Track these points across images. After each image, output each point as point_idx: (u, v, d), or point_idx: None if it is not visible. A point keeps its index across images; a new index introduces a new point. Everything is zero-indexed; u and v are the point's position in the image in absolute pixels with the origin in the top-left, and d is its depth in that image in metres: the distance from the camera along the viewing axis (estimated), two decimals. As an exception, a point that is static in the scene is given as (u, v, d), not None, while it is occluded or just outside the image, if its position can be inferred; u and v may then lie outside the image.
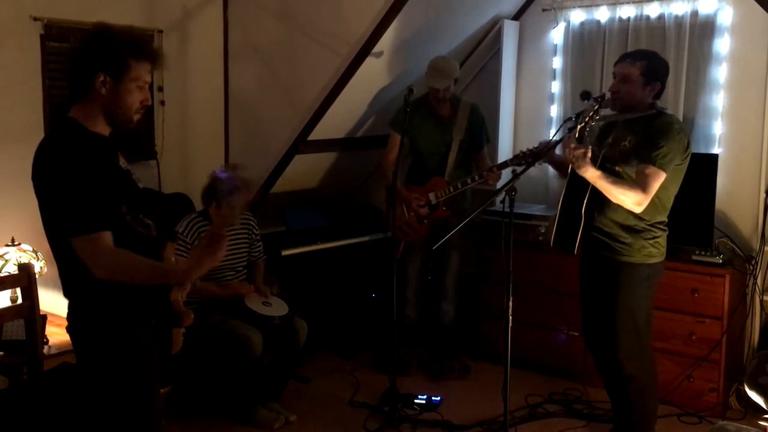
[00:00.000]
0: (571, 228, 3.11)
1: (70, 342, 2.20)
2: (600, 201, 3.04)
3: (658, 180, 2.93)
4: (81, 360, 2.21)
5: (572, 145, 2.91)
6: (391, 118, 4.27)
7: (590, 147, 2.91)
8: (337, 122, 4.42)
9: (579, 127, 2.93)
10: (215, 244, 2.06)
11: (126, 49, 2.04)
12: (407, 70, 4.37)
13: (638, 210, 2.96)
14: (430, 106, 4.16)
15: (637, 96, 3.03)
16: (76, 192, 1.95)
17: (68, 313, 2.17)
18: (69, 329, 2.18)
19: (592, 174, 2.94)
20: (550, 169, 4.61)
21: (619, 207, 2.99)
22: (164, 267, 2.12)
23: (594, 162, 2.96)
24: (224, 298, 3.68)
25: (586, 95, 3.01)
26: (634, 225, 3.03)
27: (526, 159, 3.74)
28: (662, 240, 3.10)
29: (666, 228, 3.11)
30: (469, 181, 4.02)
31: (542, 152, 3.28)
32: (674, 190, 3.06)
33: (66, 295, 2.15)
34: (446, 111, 4.19)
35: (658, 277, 3.17)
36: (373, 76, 4.23)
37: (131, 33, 2.11)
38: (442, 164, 4.17)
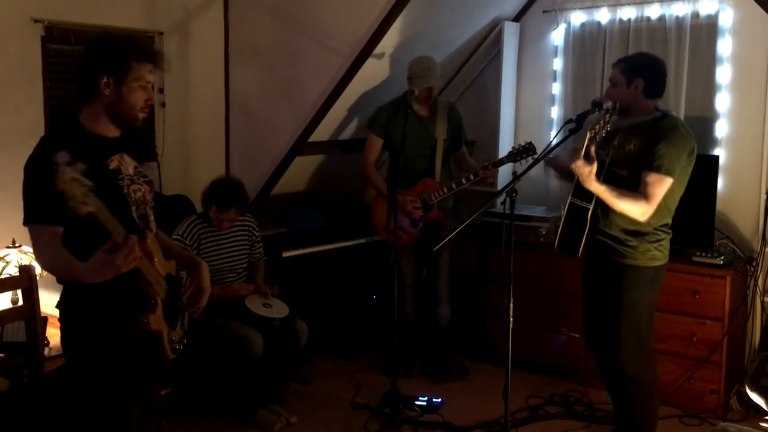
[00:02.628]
0: (576, 230, 3.11)
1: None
2: (606, 205, 3.04)
3: (662, 186, 2.93)
4: (70, 354, 2.28)
5: (579, 162, 2.90)
6: (368, 121, 4.24)
7: (595, 164, 2.91)
8: (337, 124, 4.42)
9: (589, 136, 2.91)
10: (116, 251, 1.93)
11: (126, 50, 2.16)
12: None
13: (643, 219, 2.97)
14: (411, 108, 4.09)
15: (624, 95, 3.04)
16: (34, 183, 2.06)
17: (58, 302, 2.24)
18: (60, 318, 2.25)
19: (596, 188, 2.95)
20: (551, 171, 4.62)
21: None
22: (73, 264, 2.02)
23: (601, 169, 2.97)
24: (225, 299, 3.68)
25: (597, 104, 3.00)
26: (639, 229, 3.03)
27: (520, 154, 3.73)
28: (666, 243, 3.10)
29: (670, 231, 3.11)
30: (464, 180, 4.00)
31: (541, 156, 3.29)
32: (679, 192, 3.06)
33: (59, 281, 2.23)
34: (426, 111, 4.17)
35: (661, 279, 3.17)
36: (373, 77, 4.23)
37: (131, 36, 2.25)
38: (431, 165, 4.16)
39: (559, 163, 3.30)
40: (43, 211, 2.04)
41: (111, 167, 2.19)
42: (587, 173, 2.90)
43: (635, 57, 3.18)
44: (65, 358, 2.30)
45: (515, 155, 3.77)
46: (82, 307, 2.18)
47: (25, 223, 2.09)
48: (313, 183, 4.86)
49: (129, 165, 2.27)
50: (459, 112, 4.28)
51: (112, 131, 2.21)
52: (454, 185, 4.03)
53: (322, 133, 4.31)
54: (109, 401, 2.22)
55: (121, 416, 2.23)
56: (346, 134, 4.63)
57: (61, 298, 2.24)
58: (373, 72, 4.15)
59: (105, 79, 2.13)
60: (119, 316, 2.18)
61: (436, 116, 4.16)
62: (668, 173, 2.92)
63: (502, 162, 3.89)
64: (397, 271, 4.14)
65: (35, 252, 2.11)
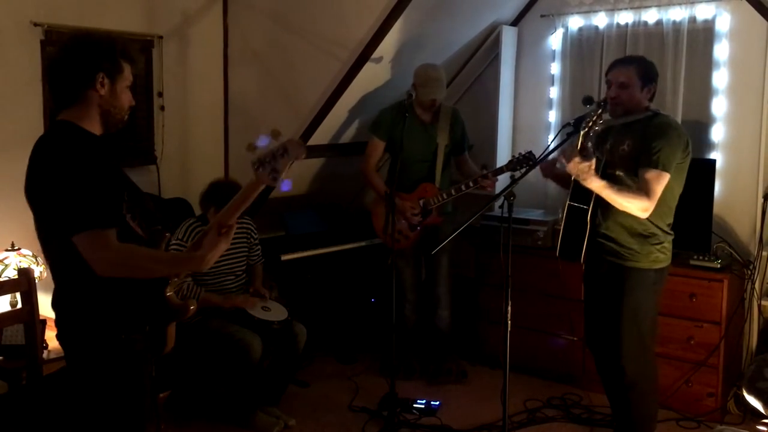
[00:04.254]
0: (576, 236, 3.10)
1: (62, 350, 2.19)
2: (605, 207, 3.04)
3: (661, 182, 2.93)
4: (73, 367, 2.19)
5: (576, 159, 2.89)
6: (371, 124, 4.25)
7: (594, 159, 2.91)
8: (336, 127, 4.43)
9: (582, 132, 2.91)
10: (224, 230, 2.11)
11: (119, 51, 2.12)
12: (406, 75, 4.38)
13: (644, 216, 2.97)
14: (413, 112, 4.12)
15: (636, 98, 3.05)
16: (83, 189, 1.95)
17: (59, 320, 2.15)
18: (61, 337, 2.16)
19: (597, 185, 2.94)
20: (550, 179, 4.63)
21: (625, 213, 3.00)
22: (182, 256, 2.16)
23: (596, 170, 2.97)
24: (225, 309, 3.68)
25: (588, 100, 3.00)
26: (642, 230, 3.04)
27: (520, 163, 3.75)
28: (668, 244, 3.11)
29: (672, 232, 3.11)
30: (463, 187, 4.01)
31: (540, 158, 3.30)
32: (678, 190, 3.07)
33: (56, 301, 2.13)
34: (429, 116, 4.18)
35: (664, 281, 3.18)
36: (372, 81, 4.25)
37: (115, 36, 2.18)
38: (431, 170, 4.16)
39: (554, 170, 3.30)
40: (106, 213, 1.97)
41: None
42: (586, 169, 2.88)
43: (645, 61, 3.14)
44: (66, 357, 2.21)
45: (515, 164, 3.78)
46: (96, 324, 2.10)
47: (79, 231, 1.94)
48: (312, 186, 4.87)
49: None
50: (462, 118, 4.28)
51: (98, 130, 2.14)
52: (453, 191, 4.04)
53: (321, 136, 4.32)
54: (126, 416, 2.17)
55: (137, 413, 2.20)
56: (346, 138, 4.65)
57: (63, 321, 2.14)
58: (372, 76, 4.16)
59: (101, 78, 2.07)
60: (133, 328, 2.14)
61: (439, 121, 4.16)
62: (665, 169, 2.93)
63: (501, 171, 3.91)
64: (397, 273, 4.16)
65: (107, 257, 1.96)
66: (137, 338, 2.14)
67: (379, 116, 4.21)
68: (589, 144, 2.91)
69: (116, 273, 1.99)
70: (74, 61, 2.07)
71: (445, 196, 4.07)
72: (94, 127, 2.11)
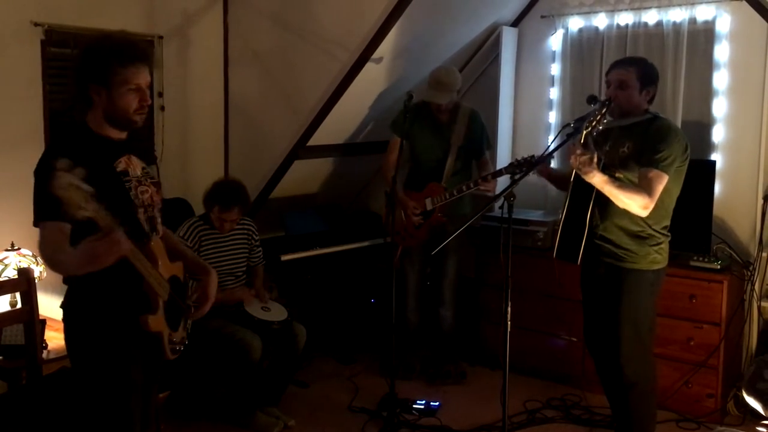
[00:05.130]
0: (574, 237, 3.10)
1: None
2: (604, 208, 3.04)
3: (662, 183, 2.94)
4: (68, 348, 2.30)
5: (578, 152, 2.90)
6: (391, 121, 4.27)
7: (595, 153, 2.91)
8: (336, 128, 4.43)
9: (585, 132, 2.92)
10: (105, 237, 1.98)
11: (109, 56, 2.14)
12: (407, 75, 4.39)
13: (644, 214, 2.97)
14: (429, 112, 4.15)
15: (634, 100, 3.05)
16: (40, 185, 2.05)
17: (62, 302, 2.26)
18: (63, 318, 2.27)
19: (599, 179, 2.93)
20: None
21: (623, 214, 3.00)
22: (70, 256, 2.06)
23: (598, 164, 2.97)
24: (228, 305, 3.68)
25: (592, 99, 3.00)
26: (639, 231, 3.04)
27: (520, 167, 3.75)
28: (665, 246, 3.11)
29: (669, 234, 3.12)
30: (464, 188, 4.01)
31: (540, 158, 3.30)
32: (676, 192, 3.07)
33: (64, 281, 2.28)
34: (445, 117, 4.18)
35: (662, 282, 3.18)
36: (372, 81, 4.25)
37: (116, 39, 2.19)
38: (439, 170, 4.17)
39: (550, 170, 3.30)
40: (48, 209, 2.04)
41: (119, 169, 2.21)
42: (587, 162, 2.88)
43: (646, 63, 3.13)
44: (69, 357, 2.30)
45: (515, 167, 3.78)
46: (85, 306, 2.20)
47: (35, 224, 2.08)
48: (312, 187, 4.87)
49: (136, 166, 2.29)
50: (481, 120, 4.25)
51: (117, 133, 2.23)
52: (455, 192, 4.05)
53: (320, 137, 4.31)
54: (112, 398, 2.22)
55: (124, 413, 2.24)
56: (344, 138, 4.64)
57: (65, 298, 2.25)
58: (372, 76, 4.16)
59: (94, 88, 2.15)
60: (122, 315, 2.19)
61: (456, 122, 4.16)
62: (665, 171, 2.94)
63: (500, 173, 3.91)
64: (402, 275, 4.17)
65: (39, 248, 2.09)
66: (113, 325, 2.19)
67: (398, 114, 4.22)
68: (591, 138, 2.92)
69: (49, 267, 2.12)
70: (74, 73, 2.19)
71: (447, 195, 4.08)
72: (107, 129, 2.20)
